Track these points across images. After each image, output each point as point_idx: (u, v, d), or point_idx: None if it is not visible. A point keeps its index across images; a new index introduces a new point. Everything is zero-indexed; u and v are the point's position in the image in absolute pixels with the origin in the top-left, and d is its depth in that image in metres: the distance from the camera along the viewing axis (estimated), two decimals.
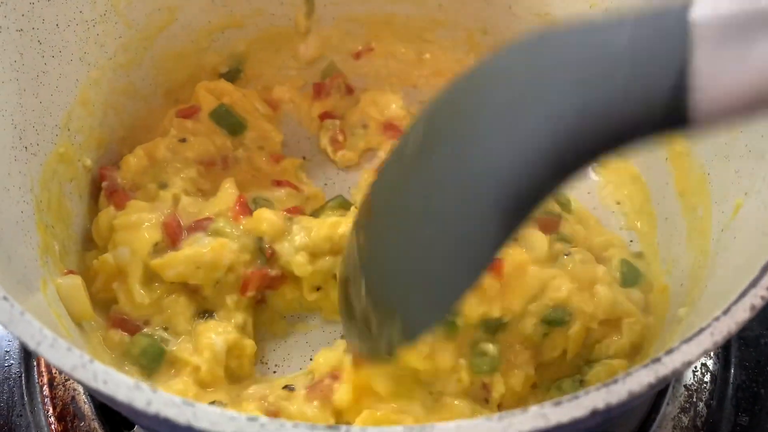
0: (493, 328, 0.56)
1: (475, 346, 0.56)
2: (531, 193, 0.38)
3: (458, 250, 0.41)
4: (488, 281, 0.55)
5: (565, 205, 0.69)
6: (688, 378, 0.66)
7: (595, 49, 0.36)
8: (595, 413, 0.32)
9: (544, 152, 0.37)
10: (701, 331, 0.35)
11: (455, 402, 0.54)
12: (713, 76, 0.33)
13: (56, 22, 0.60)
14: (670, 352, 0.34)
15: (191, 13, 0.72)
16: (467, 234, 0.41)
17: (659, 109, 0.34)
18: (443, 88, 0.44)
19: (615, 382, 0.33)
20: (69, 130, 0.63)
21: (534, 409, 0.32)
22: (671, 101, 0.34)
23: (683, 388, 0.65)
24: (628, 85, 0.35)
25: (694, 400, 0.65)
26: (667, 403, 0.64)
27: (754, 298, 0.36)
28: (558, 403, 0.32)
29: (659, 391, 0.65)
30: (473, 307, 0.54)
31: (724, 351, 0.69)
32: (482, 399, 0.56)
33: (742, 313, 0.36)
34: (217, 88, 0.72)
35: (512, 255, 0.57)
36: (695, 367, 0.67)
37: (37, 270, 0.52)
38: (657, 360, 0.34)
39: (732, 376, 0.67)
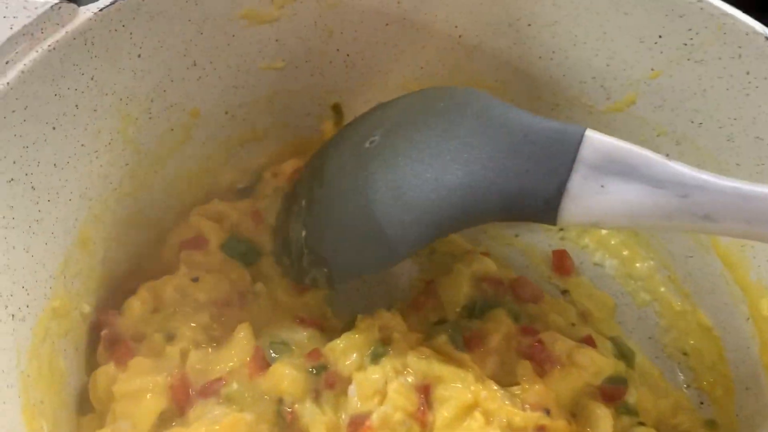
0: None
1: None
2: (442, 226, 0.51)
3: (382, 239, 0.52)
4: None
5: (629, 359, 0.61)
6: None
7: (515, 143, 0.47)
8: None
9: (456, 201, 0.49)
10: None
11: None
12: (577, 197, 0.44)
13: (54, 161, 0.52)
14: None
15: (208, 130, 0.64)
16: (392, 231, 0.52)
17: (536, 206, 0.46)
18: (405, 99, 0.57)
19: None
20: (65, 277, 0.55)
21: None
22: (545, 204, 0.46)
23: None
24: (524, 180, 0.46)
25: None
26: None
27: None
28: None
29: None
30: None
31: None
32: None
33: None
34: (215, 212, 0.64)
35: None
36: None
37: None
38: None
39: None
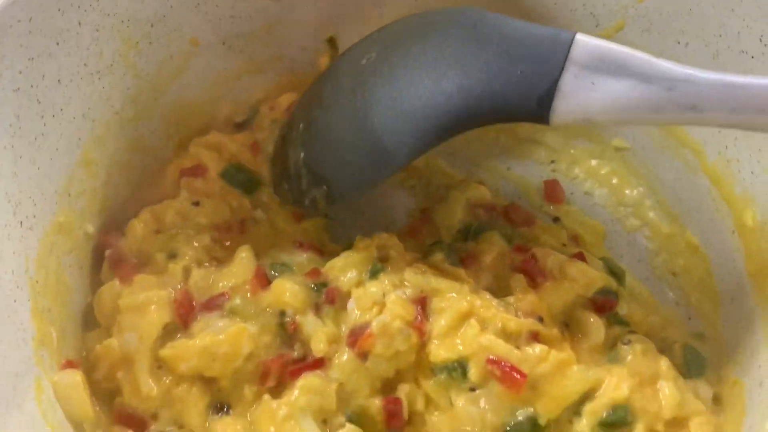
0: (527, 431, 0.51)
1: None
2: (440, 131, 0.53)
3: (380, 150, 0.55)
4: (505, 388, 0.52)
5: (620, 278, 0.63)
6: None
7: (509, 48, 0.50)
8: None
9: (454, 106, 0.51)
10: None
11: None
12: (567, 95, 0.47)
13: (58, 77, 0.53)
14: None
15: (206, 60, 0.66)
16: (390, 141, 0.54)
17: (530, 105, 0.48)
18: (401, 20, 0.58)
19: None
20: (69, 195, 0.56)
21: None
22: (538, 104, 0.48)
23: None
24: (518, 82, 0.49)
25: None
26: None
27: None
28: None
29: None
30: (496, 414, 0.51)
31: None
32: None
33: None
34: (214, 143, 0.65)
35: (554, 355, 0.51)
36: None
37: (31, 370, 0.46)
38: None
39: None
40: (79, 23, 0.54)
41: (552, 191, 0.71)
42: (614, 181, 0.70)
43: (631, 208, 0.69)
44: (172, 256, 0.59)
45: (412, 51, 0.53)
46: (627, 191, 0.70)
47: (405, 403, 0.54)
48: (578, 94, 0.45)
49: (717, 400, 0.55)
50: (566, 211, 0.70)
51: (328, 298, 0.57)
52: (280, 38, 0.68)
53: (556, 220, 0.70)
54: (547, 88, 0.46)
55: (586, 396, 0.53)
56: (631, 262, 0.67)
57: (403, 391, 0.55)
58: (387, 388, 0.55)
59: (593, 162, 0.71)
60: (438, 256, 0.61)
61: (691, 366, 0.57)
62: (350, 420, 0.53)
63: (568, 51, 0.46)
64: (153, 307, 0.55)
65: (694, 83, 0.43)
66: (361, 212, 0.71)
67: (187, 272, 0.58)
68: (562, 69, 0.45)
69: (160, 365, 0.54)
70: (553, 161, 0.73)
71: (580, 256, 0.61)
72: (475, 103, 0.50)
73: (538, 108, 0.47)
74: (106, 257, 0.59)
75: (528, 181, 0.72)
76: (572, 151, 0.72)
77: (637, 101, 0.44)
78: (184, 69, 0.64)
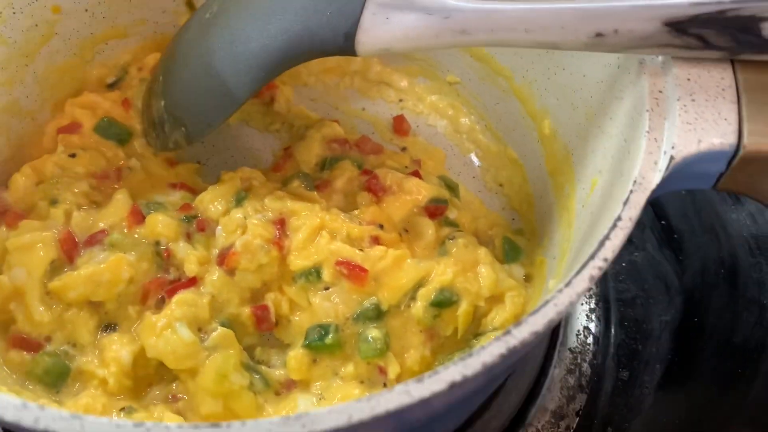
0: (373, 317, 0.60)
1: (362, 334, 0.60)
2: (270, 67, 0.62)
3: (224, 91, 0.63)
4: (352, 283, 0.62)
5: (454, 190, 0.74)
6: (572, 341, 0.71)
7: None
8: (453, 386, 0.36)
9: (278, 47, 0.60)
10: (546, 303, 0.40)
11: (352, 387, 0.58)
12: (367, 29, 0.56)
13: None
14: (518, 324, 0.39)
15: (71, 27, 0.72)
16: (230, 81, 0.63)
17: (339, 41, 0.58)
18: None
19: (470, 355, 0.37)
20: None
21: (399, 387, 0.36)
22: (345, 38, 0.57)
23: (568, 351, 0.71)
24: (328, 21, 0.58)
25: (579, 361, 0.71)
26: (554, 367, 0.70)
27: (593, 270, 0.41)
28: (420, 380, 0.36)
29: (546, 356, 0.70)
30: (346, 305, 0.61)
31: (604, 313, 0.75)
32: (380, 383, 0.60)
33: (581, 284, 0.40)
34: (88, 102, 0.72)
35: (391, 252, 0.61)
36: (578, 331, 0.72)
37: None
38: (507, 332, 0.38)
39: (612, 335, 0.73)
40: None
41: (399, 125, 0.81)
42: (450, 112, 0.81)
43: (466, 134, 0.80)
44: (54, 202, 0.66)
45: (242, 2, 0.62)
46: (462, 120, 0.81)
47: (272, 309, 0.64)
48: (376, 28, 0.55)
49: (529, 278, 0.67)
50: (412, 141, 0.81)
51: (198, 227, 0.66)
52: (140, 3, 0.75)
53: (403, 149, 0.80)
54: (351, 25, 0.56)
55: (420, 284, 0.63)
56: (467, 179, 0.78)
57: (270, 298, 0.64)
58: (256, 297, 0.64)
59: (433, 97, 0.82)
60: (295, 183, 0.70)
61: (508, 254, 0.68)
62: (223, 325, 0.62)
63: None
64: (39, 245, 0.61)
65: (463, 11, 0.53)
66: (231, 156, 0.79)
67: (68, 215, 0.65)
68: (363, 8, 0.55)
69: (51, 296, 0.61)
70: (401, 100, 0.83)
71: (416, 174, 0.72)
72: (296, 42, 0.59)
73: (345, 42, 0.56)
74: None
75: (380, 118, 0.82)
76: (416, 90, 0.83)
77: (422, 30, 0.54)
78: (51, 36, 0.70)
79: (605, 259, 0.41)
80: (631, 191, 0.44)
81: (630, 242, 0.80)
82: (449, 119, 0.81)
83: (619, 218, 0.43)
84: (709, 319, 0.75)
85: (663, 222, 0.82)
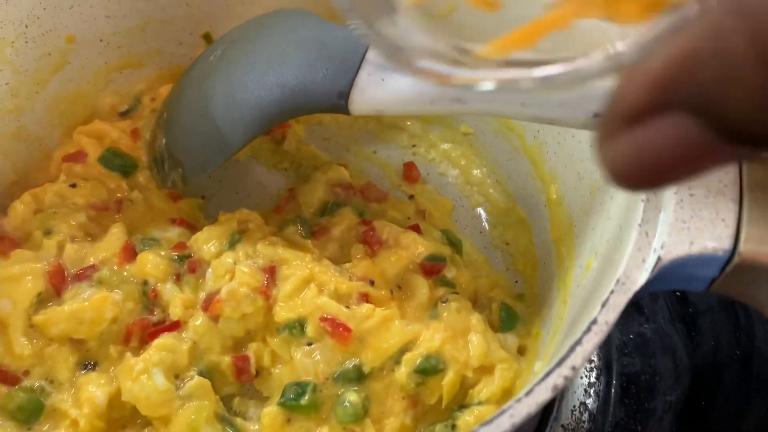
0: (353, 378, 0.58)
1: (340, 397, 0.58)
2: (264, 120, 0.61)
3: (219, 137, 0.63)
4: (335, 341, 0.59)
5: (456, 246, 0.71)
6: (566, 417, 0.68)
7: (320, 50, 0.58)
8: None
9: (274, 99, 0.60)
10: (502, 413, 0.37)
11: None
12: (362, 89, 0.56)
13: None
14: None
15: (85, 56, 0.72)
16: (226, 128, 0.62)
17: (333, 99, 0.57)
18: (247, 22, 0.67)
19: None
20: None
21: None
22: (339, 96, 0.57)
23: (561, 429, 0.68)
24: (323, 78, 0.57)
25: None
26: None
27: (558, 379, 0.38)
28: None
29: (537, 431, 0.67)
30: (327, 364, 0.58)
31: (605, 387, 0.71)
32: None
33: (542, 394, 0.37)
34: (96, 130, 0.72)
35: (379, 312, 0.59)
36: (574, 406, 0.69)
37: None
38: None
39: (611, 413, 0.70)
40: None
41: (409, 172, 0.79)
42: (463, 162, 0.79)
43: (476, 187, 0.78)
44: (48, 232, 0.66)
45: (246, 49, 0.61)
46: (473, 171, 0.78)
47: (253, 360, 0.62)
48: (371, 89, 0.54)
49: (522, 350, 0.64)
50: (421, 189, 0.79)
51: (190, 268, 0.65)
52: (156, 35, 0.75)
53: (411, 197, 0.78)
54: (346, 84, 0.54)
55: (406, 348, 0.61)
56: (473, 233, 0.75)
57: (252, 349, 0.63)
58: (239, 345, 0.63)
59: (446, 146, 0.80)
60: (291, 229, 0.69)
61: (504, 321, 0.66)
62: (201, 374, 0.61)
63: (365, 53, 0.54)
64: (28, 277, 0.62)
65: None
66: (236, 192, 0.79)
67: (61, 247, 0.65)
68: (359, 68, 0.53)
69: (34, 329, 0.61)
70: (414, 145, 0.81)
71: (415, 228, 0.70)
72: (290, 96, 0.58)
73: (338, 100, 0.55)
74: None
75: (391, 162, 0.80)
76: (430, 136, 0.80)
77: (417, 95, 0.52)
78: (63, 64, 0.71)
79: (573, 368, 0.38)
80: (612, 291, 0.41)
81: (641, 313, 0.76)
82: (461, 169, 0.79)
83: (594, 321, 0.40)
84: (718, 402, 0.71)
85: (678, 293, 0.78)
